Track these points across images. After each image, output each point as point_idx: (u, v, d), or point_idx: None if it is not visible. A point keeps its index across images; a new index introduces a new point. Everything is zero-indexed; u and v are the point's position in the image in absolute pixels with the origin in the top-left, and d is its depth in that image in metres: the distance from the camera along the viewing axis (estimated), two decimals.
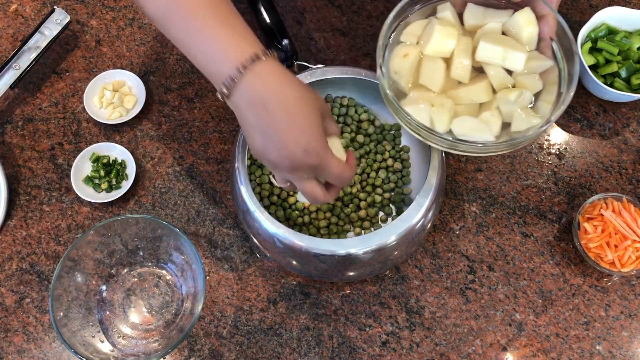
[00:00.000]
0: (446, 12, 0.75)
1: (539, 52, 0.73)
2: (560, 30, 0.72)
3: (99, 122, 0.95)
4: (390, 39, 0.75)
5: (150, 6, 0.64)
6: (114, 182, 0.92)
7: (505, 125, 0.72)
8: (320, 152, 0.62)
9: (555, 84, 0.73)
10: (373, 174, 0.85)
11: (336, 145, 0.68)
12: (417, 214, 0.75)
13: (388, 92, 0.71)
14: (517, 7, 0.74)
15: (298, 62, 0.87)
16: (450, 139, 0.69)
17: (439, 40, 0.72)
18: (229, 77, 0.60)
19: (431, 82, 0.73)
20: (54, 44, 0.97)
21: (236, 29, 0.62)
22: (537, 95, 0.73)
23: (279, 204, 0.83)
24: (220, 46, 0.61)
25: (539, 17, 0.73)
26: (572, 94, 0.70)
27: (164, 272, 0.87)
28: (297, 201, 0.82)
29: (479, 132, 0.71)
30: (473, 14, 0.75)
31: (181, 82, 0.99)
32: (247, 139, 0.64)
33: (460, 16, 0.76)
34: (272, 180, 0.68)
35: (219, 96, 0.62)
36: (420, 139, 0.72)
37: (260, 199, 0.82)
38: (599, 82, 0.91)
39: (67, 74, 1.00)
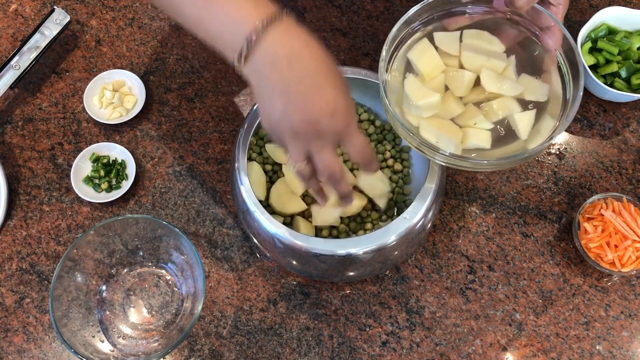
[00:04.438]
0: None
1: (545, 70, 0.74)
2: (566, 42, 0.72)
3: (99, 122, 0.95)
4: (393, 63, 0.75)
5: None
6: (114, 182, 0.92)
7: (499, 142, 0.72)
8: (348, 116, 0.59)
9: (559, 99, 0.73)
10: None
11: None
12: (417, 214, 0.75)
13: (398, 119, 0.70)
14: (523, 20, 0.74)
15: None
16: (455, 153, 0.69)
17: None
18: (249, 37, 0.56)
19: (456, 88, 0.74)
20: (54, 44, 0.97)
21: None
22: (540, 111, 0.73)
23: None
24: (237, 10, 0.57)
25: (544, 29, 0.72)
26: (577, 105, 0.69)
27: (164, 272, 0.87)
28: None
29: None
30: (470, 60, 0.75)
31: (181, 82, 0.99)
32: (263, 108, 0.60)
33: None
34: (287, 162, 0.62)
35: (235, 64, 0.58)
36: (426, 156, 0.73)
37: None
38: (599, 82, 0.91)
39: (67, 74, 1.00)
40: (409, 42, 0.76)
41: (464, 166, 0.70)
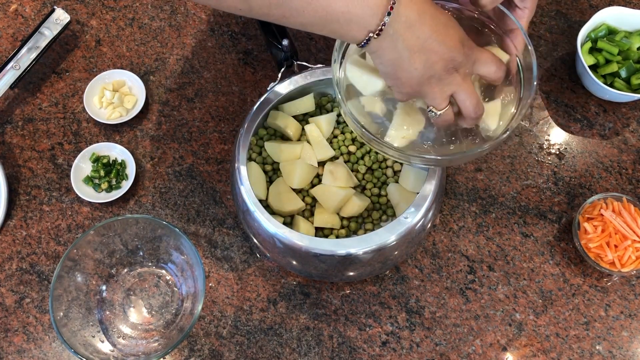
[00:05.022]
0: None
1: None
2: (525, 48, 0.71)
3: (99, 122, 0.95)
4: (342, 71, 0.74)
5: None
6: (114, 182, 0.92)
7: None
8: (473, 45, 0.65)
9: (512, 103, 0.73)
10: (378, 173, 0.85)
11: None
12: (417, 214, 0.75)
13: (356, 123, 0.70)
14: (489, 21, 0.73)
15: (298, 62, 0.87)
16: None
17: None
18: (386, 6, 0.59)
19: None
20: (54, 44, 0.97)
21: None
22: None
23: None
24: None
25: (508, 32, 0.72)
26: (524, 112, 0.70)
27: (164, 272, 0.87)
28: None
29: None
30: None
31: (181, 82, 0.99)
32: (402, 73, 0.63)
33: None
34: (433, 110, 0.67)
35: (365, 38, 0.61)
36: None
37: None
38: (599, 82, 0.91)
39: (67, 74, 1.00)
40: None
41: (409, 162, 0.71)
